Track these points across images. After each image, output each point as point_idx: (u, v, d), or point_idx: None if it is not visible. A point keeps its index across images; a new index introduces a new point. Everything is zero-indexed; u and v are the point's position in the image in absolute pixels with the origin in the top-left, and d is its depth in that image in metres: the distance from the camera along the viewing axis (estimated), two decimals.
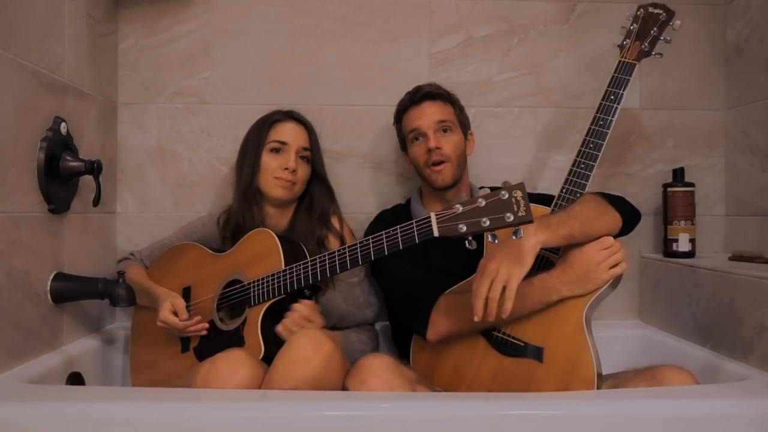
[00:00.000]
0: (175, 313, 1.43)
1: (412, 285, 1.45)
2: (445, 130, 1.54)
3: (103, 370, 1.62)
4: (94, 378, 1.54)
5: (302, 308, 1.36)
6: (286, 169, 1.52)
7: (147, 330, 1.55)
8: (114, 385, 1.65)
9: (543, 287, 1.28)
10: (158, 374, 1.52)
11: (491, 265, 1.21)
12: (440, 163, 1.52)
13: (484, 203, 1.11)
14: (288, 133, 1.55)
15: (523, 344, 1.31)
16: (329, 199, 1.60)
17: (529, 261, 1.20)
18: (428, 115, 1.54)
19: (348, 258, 1.27)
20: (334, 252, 1.29)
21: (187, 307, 1.49)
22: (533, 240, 1.22)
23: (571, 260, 1.28)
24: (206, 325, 1.43)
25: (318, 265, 1.30)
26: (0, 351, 1.24)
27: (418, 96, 1.56)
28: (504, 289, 1.19)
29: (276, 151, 1.54)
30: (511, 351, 1.32)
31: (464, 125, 1.61)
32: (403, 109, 1.60)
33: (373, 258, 1.23)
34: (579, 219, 1.27)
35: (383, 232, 1.22)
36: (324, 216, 1.57)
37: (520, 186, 1.11)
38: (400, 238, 1.19)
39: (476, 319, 1.20)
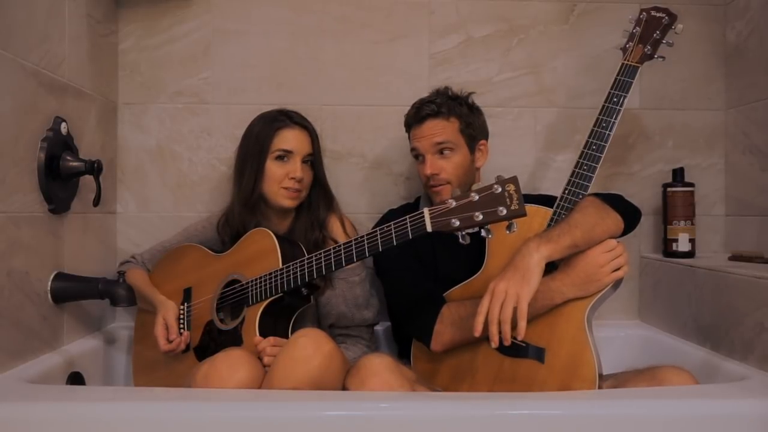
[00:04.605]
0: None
1: (417, 292, 1.43)
2: (443, 152, 1.48)
3: (103, 370, 1.62)
4: (94, 378, 1.54)
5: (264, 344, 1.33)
6: (293, 178, 1.50)
7: (149, 332, 1.55)
8: (114, 385, 1.65)
9: (547, 291, 1.28)
10: (160, 375, 1.52)
11: (500, 286, 1.20)
12: (439, 185, 1.49)
13: (477, 198, 1.11)
14: (293, 140, 1.52)
15: (524, 345, 1.31)
16: (327, 204, 1.58)
17: (536, 278, 1.20)
18: (426, 137, 1.48)
19: (343, 255, 1.27)
20: (330, 249, 1.29)
21: (187, 307, 1.50)
22: (537, 256, 1.21)
23: (573, 263, 1.28)
24: (174, 347, 1.43)
25: (314, 262, 1.30)
26: (0, 351, 1.24)
27: (420, 116, 1.50)
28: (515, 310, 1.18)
29: (281, 158, 1.51)
30: (513, 352, 1.32)
31: (472, 137, 1.52)
32: (408, 124, 1.55)
33: (367, 254, 1.23)
34: (580, 227, 1.26)
35: (377, 228, 1.22)
36: (320, 221, 1.56)
37: (513, 179, 1.10)
38: (393, 234, 1.19)
39: (476, 334, 1.19)
